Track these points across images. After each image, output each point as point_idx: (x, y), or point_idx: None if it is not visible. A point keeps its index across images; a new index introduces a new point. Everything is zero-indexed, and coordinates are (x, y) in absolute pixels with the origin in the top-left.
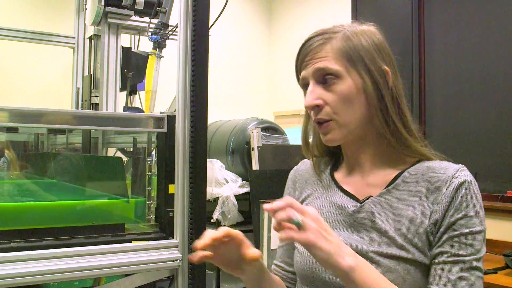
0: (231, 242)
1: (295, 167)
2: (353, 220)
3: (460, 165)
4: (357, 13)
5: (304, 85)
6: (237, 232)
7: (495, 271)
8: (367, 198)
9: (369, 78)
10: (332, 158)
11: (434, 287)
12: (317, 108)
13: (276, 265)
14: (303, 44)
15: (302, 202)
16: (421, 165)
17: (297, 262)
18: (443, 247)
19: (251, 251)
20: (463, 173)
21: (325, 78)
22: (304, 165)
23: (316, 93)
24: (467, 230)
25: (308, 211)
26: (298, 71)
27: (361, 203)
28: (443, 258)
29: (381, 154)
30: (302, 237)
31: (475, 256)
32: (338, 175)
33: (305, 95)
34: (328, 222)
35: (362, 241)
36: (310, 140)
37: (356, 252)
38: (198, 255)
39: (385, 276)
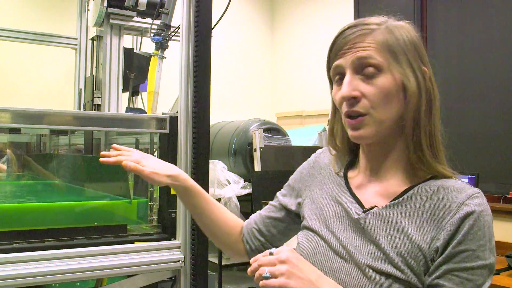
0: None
1: (318, 153)
2: (355, 227)
3: (475, 190)
4: (359, 14)
5: (337, 75)
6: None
7: (497, 272)
8: (371, 208)
9: (412, 75)
10: (350, 156)
11: None
12: (354, 100)
13: (255, 213)
14: (341, 33)
15: (310, 192)
16: (433, 182)
17: None
18: (440, 280)
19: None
20: (475, 201)
21: (364, 70)
22: (325, 155)
23: (354, 84)
24: (467, 265)
25: (277, 257)
26: (331, 59)
27: (364, 211)
28: None
29: (401, 162)
30: (275, 284)
31: None
32: (351, 176)
33: (332, 86)
34: (331, 220)
35: (360, 251)
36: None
37: (353, 261)
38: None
39: None
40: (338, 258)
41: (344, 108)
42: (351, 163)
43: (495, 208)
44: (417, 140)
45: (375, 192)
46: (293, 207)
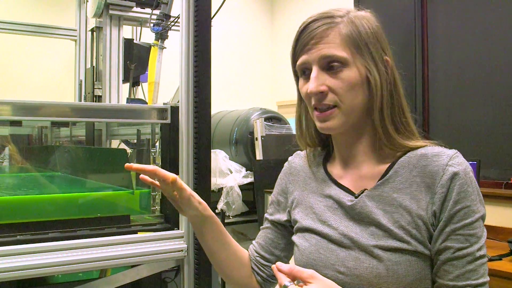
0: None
1: (290, 159)
2: (350, 214)
3: (453, 151)
4: (360, 4)
5: (303, 69)
6: (169, 176)
7: (499, 257)
8: (362, 192)
9: (374, 66)
10: (324, 149)
11: (443, 281)
12: (321, 94)
13: (252, 243)
14: (305, 27)
15: (295, 197)
16: (413, 153)
17: (297, 260)
18: (447, 242)
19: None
20: (457, 161)
21: (330, 65)
22: (298, 158)
23: (320, 79)
24: (468, 221)
25: (305, 275)
26: (296, 54)
27: (356, 197)
28: (449, 254)
29: (375, 146)
30: None
31: (478, 245)
32: (331, 168)
33: (298, 80)
34: (326, 215)
35: (362, 235)
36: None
37: (357, 246)
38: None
39: (387, 269)
40: (342, 248)
41: (312, 102)
42: (327, 157)
43: (496, 194)
44: (384, 126)
45: (358, 177)
46: (284, 221)
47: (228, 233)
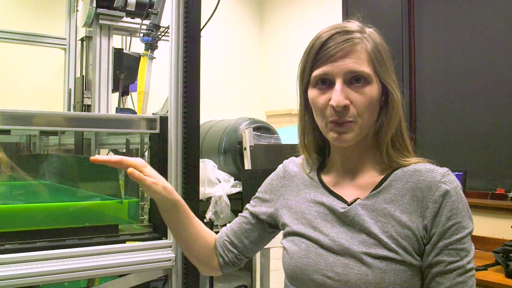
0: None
1: (285, 163)
2: (342, 221)
3: (445, 169)
4: (348, 14)
5: (321, 79)
6: (132, 162)
7: (485, 267)
8: (355, 201)
9: (389, 85)
10: (319, 157)
11: None
12: (344, 108)
13: (226, 226)
14: (330, 37)
15: (285, 201)
16: (406, 168)
17: (286, 264)
18: (440, 257)
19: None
20: (449, 178)
21: (355, 79)
22: (293, 164)
23: (345, 92)
24: (459, 236)
25: None
26: (314, 63)
27: (348, 205)
28: (441, 267)
29: (372, 159)
30: None
31: (467, 259)
32: (325, 176)
33: (305, 88)
34: (317, 221)
35: (353, 242)
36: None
37: (347, 253)
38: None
39: (375, 276)
40: (332, 253)
41: (331, 115)
42: (321, 165)
43: (483, 204)
44: (387, 142)
45: (352, 187)
46: (264, 216)
47: (195, 216)
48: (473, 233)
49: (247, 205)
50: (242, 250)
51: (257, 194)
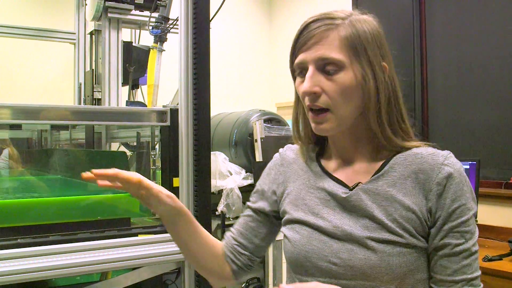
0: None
1: (281, 152)
2: (344, 206)
3: (447, 151)
4: (358, 5)
5: (300, 68)
6: (133, 177)
7: (500, 257)
8: (356, 185)
9: (370, 71)
10: (318, 144)
11: (440, 277)
12: (314, 95)
13: (230, 230)
14: (306, 26)
15: (285, 188)
16: (408, 151)
17: (289, 252)
18: (446, 239)
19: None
20: (452, 161)
21: (326, 67)
22: (290, 151)
23: (315, 79)
24: (464, 218)
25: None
26: (295, 53)
27: (350, 189)
28: (447, 250)
29: (372, 146)
30: None
31: (472, 241)
32: (325, 163)
33: (295, 78)
34: (318, 207)
35: (355, 227)
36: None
37: (351, 239)
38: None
39: (381, 260)
40: (335, 239)
41: (307, 102)
42: (321, 151)
43: (496, 194)
44: (382, 130)
45: (353, 172)
46: (268, 209)
47: (199, 224)
48: (487, 223)
49: (248, 203)
50: (254, 250)
51: (255, 188)
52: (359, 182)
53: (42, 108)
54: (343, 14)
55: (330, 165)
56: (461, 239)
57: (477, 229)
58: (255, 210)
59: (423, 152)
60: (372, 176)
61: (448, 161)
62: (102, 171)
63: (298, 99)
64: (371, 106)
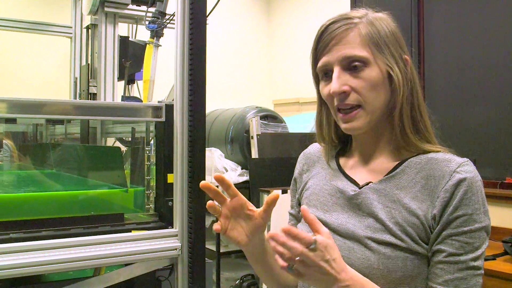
0: (236, 203)
1: (305, 151)
2: (351, 204)
3: (464, 159)
4: (356, 2)
5: (324, 71)
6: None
7: (494, 257)
8: (366, 184)
9: (395, 64)
10: (340, 144)
11: (431, 284)
12: (344, 94)
13: None
14: (325, 29)
15: (307, 182)
16: (423, 156)
17: None
18: (441, 245)
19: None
20: (465, 169)
21: (352, 65)
22: (313, 148)
23: (343, 79)
24: (466, 228)
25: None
26: (317, 56)
27: (359, 188)
28: (440, 257)
29: (389, 144)
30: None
31: (472, 255)
32: (344, 161)
33: (318, 81)
34: (328, 204)
35: (359, 226)
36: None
37: (352, 237)
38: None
39: (379, 262)
40: (338, 236)
41: (335, 103)
42: (342, 151)
43: (492, 193)
44: (402, 125)
45: (367, 171)
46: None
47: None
48: None
49: (289, 210)
50: None
51: (291, 187)
52: (370, 182)
53: (38, 103)
54: (359, 13)
55: (348, 163)
56: (459, 250)
57: (484, 245)
58: (296, 217)
59: (439, 157)
60: (383, 176)
61: (461, 169)
62: (227, 181)
63: (321, 102)
64: (398, 98)
